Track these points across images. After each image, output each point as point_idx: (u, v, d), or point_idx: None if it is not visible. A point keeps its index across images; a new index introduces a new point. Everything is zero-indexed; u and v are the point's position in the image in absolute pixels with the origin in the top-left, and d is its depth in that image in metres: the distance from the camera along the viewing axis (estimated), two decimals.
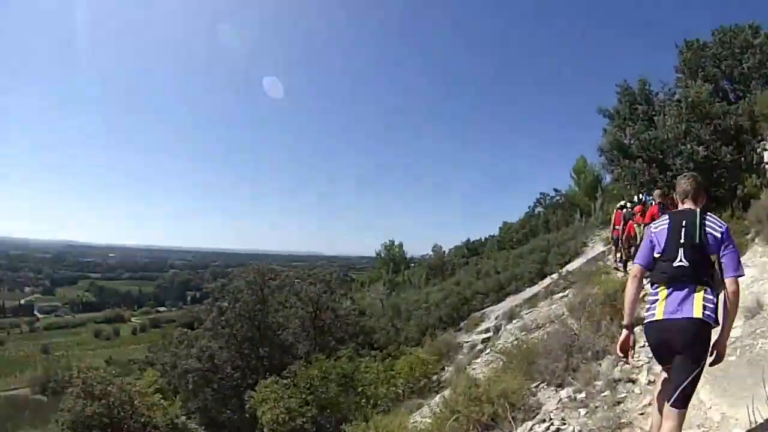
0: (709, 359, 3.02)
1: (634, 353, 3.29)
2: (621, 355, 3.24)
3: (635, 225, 9.43)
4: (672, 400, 2.92)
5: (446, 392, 7.52)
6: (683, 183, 3.32)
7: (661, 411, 3.13)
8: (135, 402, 12.19)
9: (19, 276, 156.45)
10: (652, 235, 3.22)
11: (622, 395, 4.89)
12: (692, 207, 3.23)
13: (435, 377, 12.56)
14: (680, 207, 3.31)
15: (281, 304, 19.87)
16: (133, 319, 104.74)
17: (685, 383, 2.88)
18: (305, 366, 13.77)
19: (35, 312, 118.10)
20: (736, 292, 2.96)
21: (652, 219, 7.99)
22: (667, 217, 3.26)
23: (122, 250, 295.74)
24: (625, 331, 3.18)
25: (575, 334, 6.68)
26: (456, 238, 76.66)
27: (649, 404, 4.21)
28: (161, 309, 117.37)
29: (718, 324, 2.97)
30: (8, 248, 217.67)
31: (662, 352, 3.05)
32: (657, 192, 8.23)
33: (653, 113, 10.08)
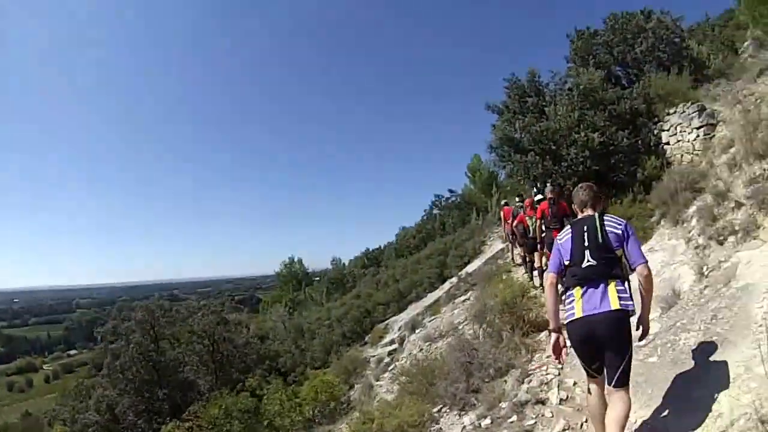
0: (637, 340, 3.28)
1: (567, 353, 3.33)
2: (554, 356, 3.32)
3: (527, 217, 9.06)
4: (614, 380, 3.06)
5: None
6: (581, 194, 3.52)
7: (600, 420, 3.19)
8: None
9: None
10: (559, 245, 3.42)
11: (531, 421, 4.17)
12: (591, 213, 3.43)
13: (344, 398, 11.83)
14: (580, 215, 3.51)
15: (177, 340, 18.72)
16: (45, 367, 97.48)
17: (623, 365, 3.05)
18: (204, 405, 12.90)
19: None
20: (648, 276, 3.18)
21: (543, 215, 7.97)
22: (568, 227, 3.48)
23: (26, 294, 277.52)
24: (554, 335, 3.29)
25: (474, 349, 5.98)
26: (358, 248, 76.31)
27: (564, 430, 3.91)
28: (72, 352, 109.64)
29: (635, 312, 3.16)
30: None
31: (587, 349, 3.19)
32: (548, 188, 7.84)
33: (544, 104, 9.73)
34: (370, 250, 30.09)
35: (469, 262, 15.73)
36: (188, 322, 18.76)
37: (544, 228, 7.86)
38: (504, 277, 9.97)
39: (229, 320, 19.46)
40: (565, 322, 3.23)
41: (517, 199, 11.44)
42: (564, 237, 3.42)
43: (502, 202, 12.75)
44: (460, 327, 9.71)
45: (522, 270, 10.29)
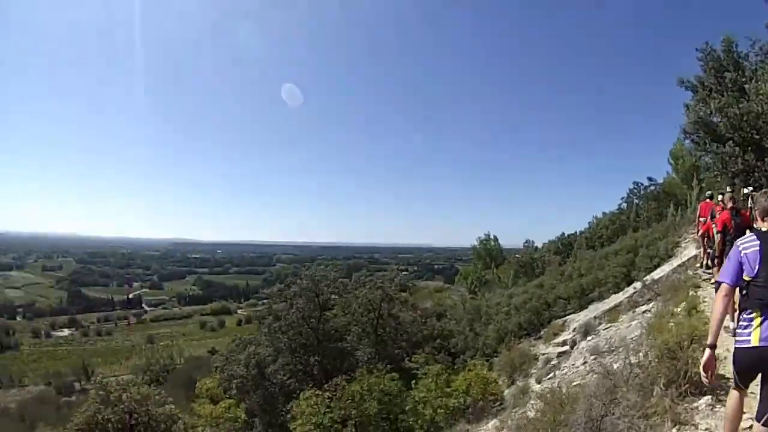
0: None
1: (714, 375, 3.12)
2: (703, 374, 3.09)
3: (713, 225, 7.39)
4: (765, 419, 2.86)
5: None
6: (763, 200, 3.18)
7: (733, 426, 3.12)
8: (150, 410, 12.34)
9: (128, 272, 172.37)
10: (741, 254, 3.05)
11: None
12: None
13: (499, 396, 11.43)
14: (760, 224, 3.18)
15: (342, 310, 19.56)
16: (239, 311, 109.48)
17: None
18: (348, 380, 13.09)
19: (143, 305, 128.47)
20: None
21: (725, 227, 6.93)
22: (754, 237, 3.09)
23: (229, 246, 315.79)
24: (708, 351, 3.06)
25: (614, 399, 5.04)
26: (556, 230, 71.28)
27: None
28: (266, 302, 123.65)
29: None
30: (118, 247, 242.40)
31: (751, 377, 3.01)
32: (727, 195, 6.22)
33: (743, 81, 7.55)
34: (565, 235, 28.08)
35: (658, 266, 13.66)
36: (355, 294, 19.33)
37: (724, 242, 6.35)
38: (690, 293, 8.30)
39: (394, 297, 19.46)
40: (736, 346, 3.00)
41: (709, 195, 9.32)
42: (750, 247, 3.03)
43: (707, 194, 10.39)
44: (630, 343, 8.49)
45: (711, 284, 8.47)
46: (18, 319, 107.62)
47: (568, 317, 15.18)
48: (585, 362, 9.55)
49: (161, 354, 58.76)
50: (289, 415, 13.50)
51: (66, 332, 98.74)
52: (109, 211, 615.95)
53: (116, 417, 11.86)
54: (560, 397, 6.24)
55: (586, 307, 14.99)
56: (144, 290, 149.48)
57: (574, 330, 13.21)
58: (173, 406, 13.40)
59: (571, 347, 12.11)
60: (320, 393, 12.46)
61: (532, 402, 8.46)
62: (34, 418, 27.78)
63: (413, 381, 13.15)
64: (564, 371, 10.04)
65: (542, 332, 15.48)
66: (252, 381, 17.68)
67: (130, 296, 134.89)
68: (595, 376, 7.88)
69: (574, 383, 8.58)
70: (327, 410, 11.79)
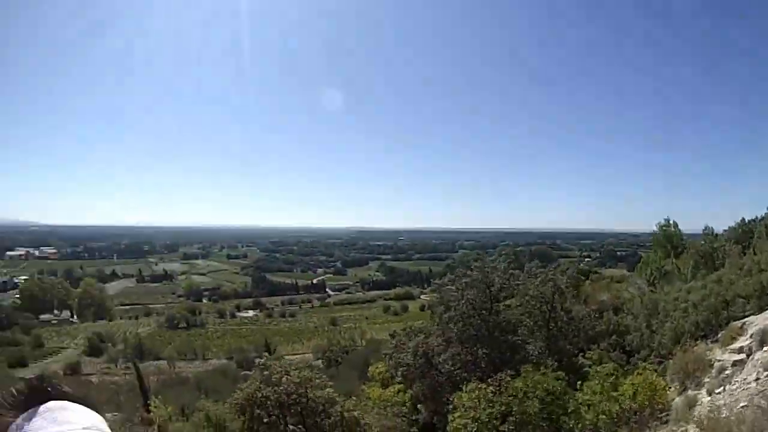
0: None
1: None
2: None
3: None
4: None
5: None
6: None
7: None
8: (308, 392, 13.11)
9: (311, 260, 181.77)
10: None
11: None
12: None
13: (664, 405, 11.21)
14: None
15: (515, 302, 19.53)
16: (422, 296, 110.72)
17: None
18: (513, 375, 13.05)
19: (327, 290, 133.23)
20: None
21: None
22: None
23: (411, 233, 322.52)
24: None
25: None
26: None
27: None
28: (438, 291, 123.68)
29: None
30: (300, 236, 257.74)
31: None
32: None
33: None
34: (746, 221, 25.32)
35: None
36: (527, 285, 19.20)
37: None
38: None
39: (564, 291, 19.18)
40: None
41: None
42: None
43: None
44: None
45: None
46: (204, 301, 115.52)
47: (746, 319, 14.39)
48: (757, 378, 9.26)
49: (343, 336, 61.78)
50: (450, 406, 13.54)
51: (250, 313, 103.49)
52: (290, 202, 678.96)
53: (275, 396, 12.84)
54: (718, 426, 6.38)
55: (766, 309, 13.85)
56: (328, 275, 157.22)
57: (751, 336, 12.27)
58: (332, 390, 14.12)
59: (747, 356, 11.25)
60: (483, 387, 12.39)
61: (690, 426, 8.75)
62: (208, 388, 28.31)
63: (579, 381, 13.08)
64: (735, 386, 9.72)
65: (719, 335, 14.40)
66: (418, 369, 18.10)
67: (315, 281, 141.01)
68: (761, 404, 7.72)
69: (741, 404, 8.38)
70: (488, 405, 11.73)
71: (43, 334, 79.66)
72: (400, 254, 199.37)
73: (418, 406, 18.89)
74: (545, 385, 12.12)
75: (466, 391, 12.50)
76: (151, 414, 16.77)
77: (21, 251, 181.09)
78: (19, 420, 0.98)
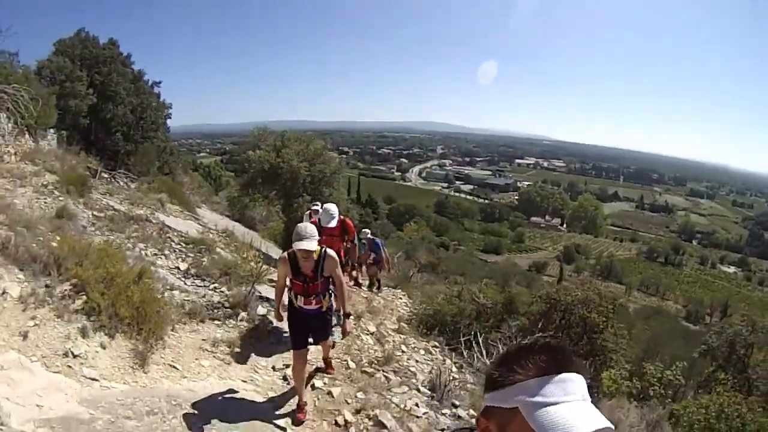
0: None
1: None
2: None
3: None
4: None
5: None
6: None
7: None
8: None
9: None
10: None
11: None
12: None
13: None
14: None
15: None
16: None
17: None
18: None
19: None
20: None
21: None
22: None
23: None
24: None
25: None
26: None
27: None
28: None
29: None
30: None
31: None
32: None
33: None
34: None
35: None
36: None
37: None
38: None
39: None
40: None
41: None
42: None
43: None
44: None
45: None
46: (693, 243, 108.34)
47: None
48: None
49: None
50: None
51: (731, 270, 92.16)
52: None
53: None
54: None
55: None
56: None
57: None
58: None
59: None
60: None
61: None
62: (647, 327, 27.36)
63: None
64: None
65: None
66: None
67: None
68: None
69: None
70: None
71: (527, 233, 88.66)
72: None
73: None
74: None
75: None
76: None
77: (531, 160, 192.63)
78: (531, 381, 0.92)
